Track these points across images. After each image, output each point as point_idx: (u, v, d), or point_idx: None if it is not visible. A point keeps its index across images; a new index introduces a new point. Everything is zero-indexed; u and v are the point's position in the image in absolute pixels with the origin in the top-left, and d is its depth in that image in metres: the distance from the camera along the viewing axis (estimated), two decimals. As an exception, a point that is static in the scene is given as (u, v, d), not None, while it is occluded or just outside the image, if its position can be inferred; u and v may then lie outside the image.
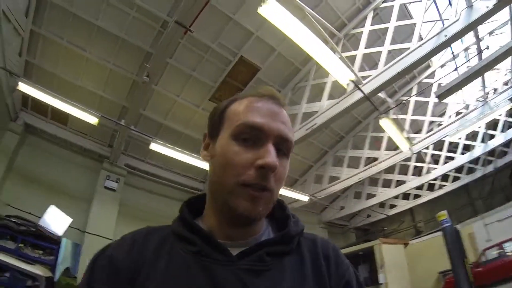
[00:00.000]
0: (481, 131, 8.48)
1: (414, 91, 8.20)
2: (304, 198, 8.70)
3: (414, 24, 5.47)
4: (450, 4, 5.17)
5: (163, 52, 4.80)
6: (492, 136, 8.50)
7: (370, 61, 6.60)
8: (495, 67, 6.04)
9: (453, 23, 4.42)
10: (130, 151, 7.78)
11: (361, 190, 10.17)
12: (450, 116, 7.94)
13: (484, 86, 7.21)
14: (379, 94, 6.44)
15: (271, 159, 0.60)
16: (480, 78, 6.68)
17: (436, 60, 7.84)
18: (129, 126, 6.14)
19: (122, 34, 5.65)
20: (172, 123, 7.45)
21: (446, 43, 4.63)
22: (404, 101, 7.96)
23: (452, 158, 8.96)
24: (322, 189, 9.01)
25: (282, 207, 0.75)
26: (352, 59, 5.78)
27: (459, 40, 5.29)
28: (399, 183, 9.63)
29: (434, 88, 7.61)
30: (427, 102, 8.11)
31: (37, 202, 5.87)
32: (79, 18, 5.34)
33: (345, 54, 5.49)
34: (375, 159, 8.60)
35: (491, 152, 9.06)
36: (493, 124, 8.33)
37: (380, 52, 5.74)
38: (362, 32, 6.17)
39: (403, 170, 9.39)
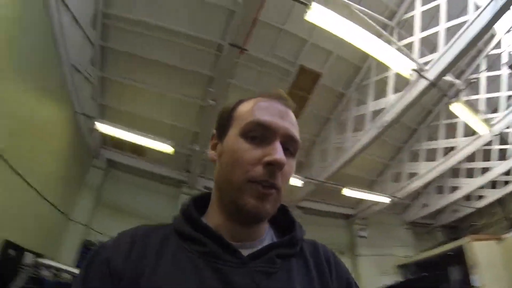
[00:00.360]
0: None
1: (483, 66, 7.37)
2: (385, 199, 8.19)
3: (467, -8, 4.90)
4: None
5: (223, 74, 5.02)
6: None
7: (429, 45, 6.11)
8: None
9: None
10: (207, 173, 8.01)
11: (443, 184, 9.27)
12: (530, 86, 6.92)
13: None
14: (446, 78, 5.93)
15: (279, 156, 0.60)
16: None
17: (499, 28, 6.97)
18: (202, 150, 6.35)
19: (182, 64, 6.06)
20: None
21: (506, 6, 3.97)
22: (473, 80, 7.19)
23: (544, 134, 7.73)
24: (402, 188, 8.42)
25: (284, 210, 0.75)
26: (409, 46, 5.44)
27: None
28: (484, 170, 8.57)
29: (505, 59, 6.76)
30: (500, 76, 7.22)
31: (123, 229, 6.50)
32: (141, 58, 5.90)
33: (401, 43, 5.19)
34: (453, 148, 7.85)
35: None
36: None
37: (437, 32, 5.33)
38: (413, 15, 5.81)
39: (486, 155, 8.34)
